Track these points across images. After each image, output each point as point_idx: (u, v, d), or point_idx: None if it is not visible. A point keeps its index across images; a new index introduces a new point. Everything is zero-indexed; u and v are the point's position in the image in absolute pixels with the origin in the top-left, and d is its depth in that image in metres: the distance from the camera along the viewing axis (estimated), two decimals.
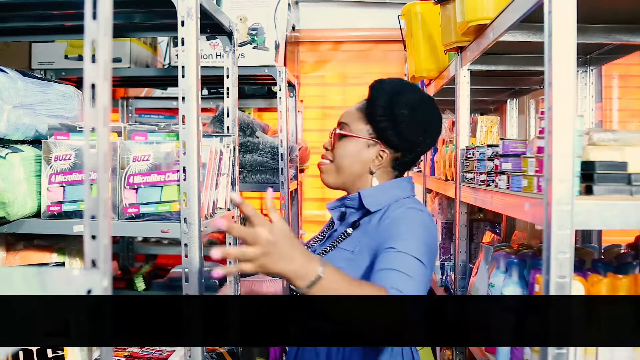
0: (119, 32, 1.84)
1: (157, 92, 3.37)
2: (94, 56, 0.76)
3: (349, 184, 1.44)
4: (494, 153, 1.57)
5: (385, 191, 1.40)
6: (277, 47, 2.47)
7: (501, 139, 1.52)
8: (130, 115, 3.39)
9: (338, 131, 1.44)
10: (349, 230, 1.40)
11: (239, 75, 1.79)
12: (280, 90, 2.48)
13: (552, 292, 0.99)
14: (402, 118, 1.36)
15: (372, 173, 1.41)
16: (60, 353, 1.28)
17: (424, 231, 1.28)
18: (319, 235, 1.54)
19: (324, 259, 1.10)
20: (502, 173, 1.47)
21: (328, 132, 1.50)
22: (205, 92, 3.16)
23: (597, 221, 1.02)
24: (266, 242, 1.01)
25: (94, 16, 0.75)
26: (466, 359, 2.01)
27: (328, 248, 1.41)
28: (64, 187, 1.32)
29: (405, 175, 1.51)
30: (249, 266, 1.02)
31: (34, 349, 1.27)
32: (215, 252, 0.99)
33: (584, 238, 1.99)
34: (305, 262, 1.04)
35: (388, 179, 1.43)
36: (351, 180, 1.43)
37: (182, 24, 1.24)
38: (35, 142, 1.41)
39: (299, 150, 2.92)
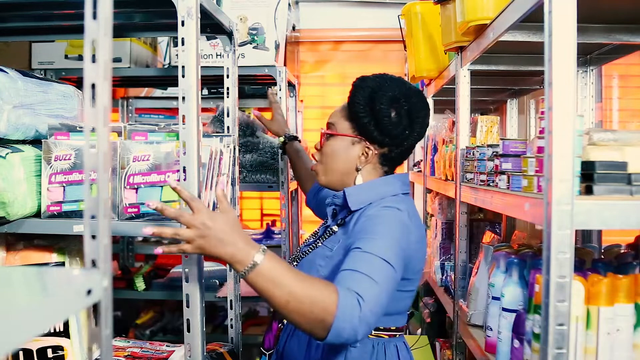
0: (119, 32, 1.84)
1: (157, 92, 3.37)
2: (94, 56, 0.76)
3: (338, 182, 1.44)
4: (494, 153, 1.57)
5: (370, 189, 1.39)
6: (277, 47, 2.47)
7: (501, 139, 1.52)
8: (130, 115, 3.39)
9: (323, 131, 1.46)
10: (335, 228, 1.41)
11: (239, 75, 1.79)
12: (280, 90, 2.48)
13: (552, 292, 0.99)
14: (383, 113, 1.35)
15: (358, 170, 1.41)
16: (61, 353, 1.28)
17: (399, 231, 1.26)
18: (315, 230, 1.55)
19: (298, 268, 1.11)
20: (502, 173, 1.47)
21: None
22: (205, 92, 3.16)
23: (597, 221, 1.02)
24: (201, 225, 1.08)
25: (94, 16, 0.75)
26: (466, 359, 2.01)
27: (316, 244, 1.42)
28: (64, 187, 1.32)
29: (399, 171, 1.50)
30: (188, 247, 1.09)
31: (34, 348, 1.27)
32: (148, 229, 1.08)
33: (584, 238, 1.99)
34: (244, 248, 1.08)
35: (377, 176, 1.43)
36: (339, 179, 1.43)
37: (182, 24, 1.24)
38: (35, 142, 1.40)
39: None
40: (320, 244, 1.41)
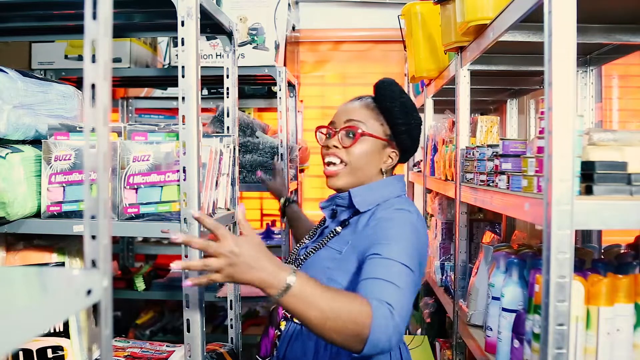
0: (119, 32, 1.84)
1: (157, 92, 3.37)
2: (94, 56, 0.76)
3: (358, 184, 1.41)
4: (494, 153, 1.57)
5: (375, 190, 1.39)
6: (277, 47, 2.47)
7: (501, 139, 1.52)
8: (130, 115, 3.39)
9: (361, 130, 1.38)
10: (338, 229, 1.39)
11: (239, 75, 1.79)
12: (280, 90, 2.48)
13: (552, 292, 0.99)
14: (415, 121, 1.41)
15: (383, 174, 1.42)
16: (61, 353, 1.28)
17: (412, 233, 1.26)
18: (311, 232, 1.54)
19: (302, 270, 1.10)
20: (502, 173, 1.47)
21: None
22: (205, 92, 3.17)
23: (597, 221, 1.03)
24: (229, 253, 1.05)
25: (94, 16, 0.75)
26: (466, 359, 2.01)
27: (318, 245, 1.41)
28: (64, 187, 1.32)
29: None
30: (218, 276, 1.06)
31: (34, 348, 1.27)
32: (176, 264, 1.05)
33: (584, 238, 1.99)
34: (275, 272, 1.06)
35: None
36: (362, 181, 1.41)
37: (182, 24, 1.24)
38: (35, 142, 1.41)
39: (299, 150, 2.92)
40: (324, 246, 1.40)
